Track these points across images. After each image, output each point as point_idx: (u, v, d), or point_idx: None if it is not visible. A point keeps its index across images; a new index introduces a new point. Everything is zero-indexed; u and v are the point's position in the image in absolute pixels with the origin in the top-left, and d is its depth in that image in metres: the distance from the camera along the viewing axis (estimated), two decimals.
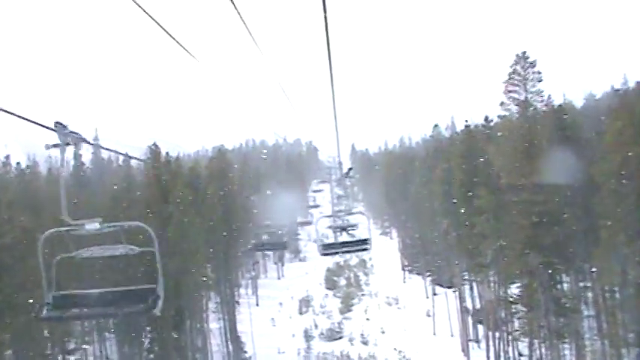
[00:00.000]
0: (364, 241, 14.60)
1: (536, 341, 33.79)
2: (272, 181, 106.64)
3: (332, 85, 7.68)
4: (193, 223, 40.98)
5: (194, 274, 40.76)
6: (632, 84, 53.51)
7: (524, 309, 32.28)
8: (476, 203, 37.00)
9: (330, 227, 16.09)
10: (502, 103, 33.74)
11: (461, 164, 41.20)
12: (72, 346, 38.70)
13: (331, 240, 15.73)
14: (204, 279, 46.69)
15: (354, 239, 15.35)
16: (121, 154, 26.80)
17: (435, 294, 65.46)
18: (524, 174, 31.39)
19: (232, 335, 55.54)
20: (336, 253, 15.55)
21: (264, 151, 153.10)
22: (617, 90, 49.42)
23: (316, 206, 74.51)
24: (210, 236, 50.25)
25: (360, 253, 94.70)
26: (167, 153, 47.35)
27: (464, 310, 50.90)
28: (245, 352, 55.65)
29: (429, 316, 60.80)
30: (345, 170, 20.39)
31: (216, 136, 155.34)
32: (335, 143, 14.16)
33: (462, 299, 52.53)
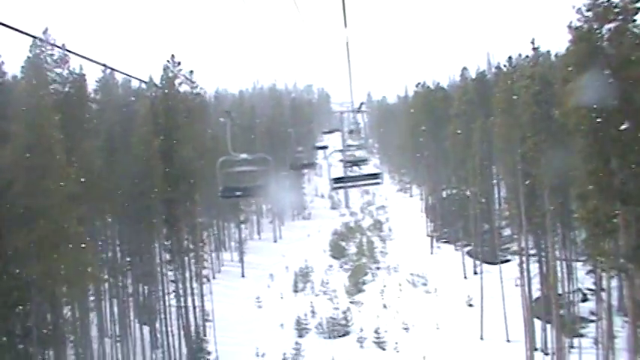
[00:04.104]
0: (375, 175, 14.12)
1: None
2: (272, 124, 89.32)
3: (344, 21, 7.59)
4: None
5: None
6: None
7: None
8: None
9: (341, 161, 15.86)
10: None
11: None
12: None
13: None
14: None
15: (366, 173, 14.78)
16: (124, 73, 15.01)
17: (476, 272, 48.39)
18: None
19: (187, 328, 38.78)
20: (347, 186, 14.81)
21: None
22: None
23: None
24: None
25: (376, 213, 78.51)
26: None
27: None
28: (208, 352, 38.87)
29: (470, 305, 43.42)
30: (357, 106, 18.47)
31: (224, 80, 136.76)
32: (348, 87, 10.40)
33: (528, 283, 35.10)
